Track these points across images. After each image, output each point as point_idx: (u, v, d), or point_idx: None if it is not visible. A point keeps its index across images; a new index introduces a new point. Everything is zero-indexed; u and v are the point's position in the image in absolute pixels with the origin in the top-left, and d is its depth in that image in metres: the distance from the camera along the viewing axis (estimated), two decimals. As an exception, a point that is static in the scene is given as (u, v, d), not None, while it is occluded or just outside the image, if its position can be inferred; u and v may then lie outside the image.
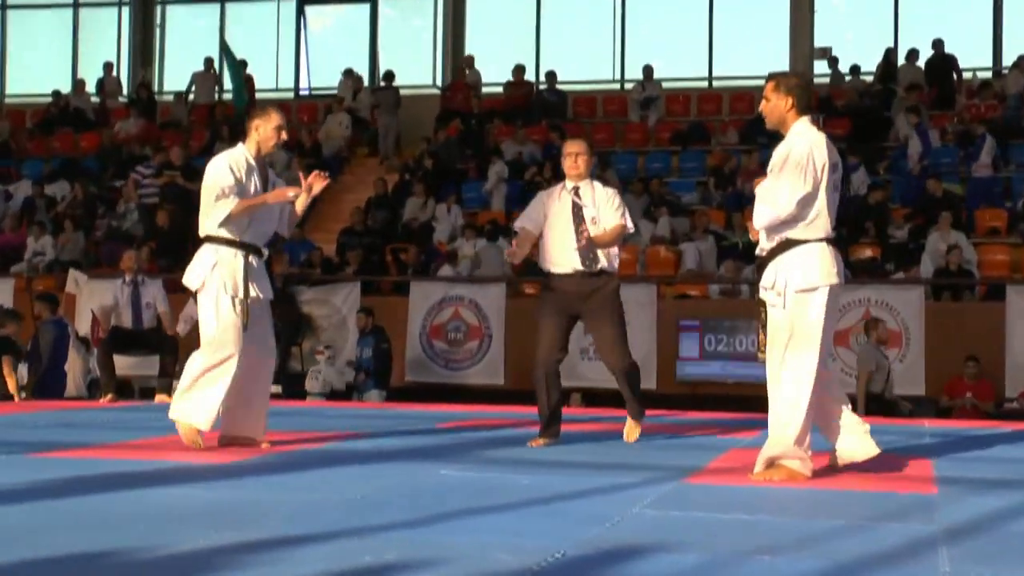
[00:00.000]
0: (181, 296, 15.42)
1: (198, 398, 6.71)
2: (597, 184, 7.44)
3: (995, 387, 13.42)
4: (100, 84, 23.25)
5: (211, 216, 6.68)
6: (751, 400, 14.14)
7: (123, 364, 12.65)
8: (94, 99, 23.29)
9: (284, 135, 6.83)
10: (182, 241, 17.72)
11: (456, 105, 20.91)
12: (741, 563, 3.93)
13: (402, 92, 21.24)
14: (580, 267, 7.23)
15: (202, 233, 6.74)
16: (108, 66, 23.44)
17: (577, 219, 7.24)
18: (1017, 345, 13.51)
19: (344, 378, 14.78)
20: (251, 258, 6.77)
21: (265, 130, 6.76)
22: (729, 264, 15.22)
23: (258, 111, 6.92)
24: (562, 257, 7.26)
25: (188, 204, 17.89)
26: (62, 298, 14.89)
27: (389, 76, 21.21)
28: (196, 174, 18.39)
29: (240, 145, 6.85)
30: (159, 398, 11.63)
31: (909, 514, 4.88)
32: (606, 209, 7.28)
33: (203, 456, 6.58)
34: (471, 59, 21.89)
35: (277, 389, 13.48)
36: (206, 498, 5.15)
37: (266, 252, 6.97)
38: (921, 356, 13.75)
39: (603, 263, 7.26)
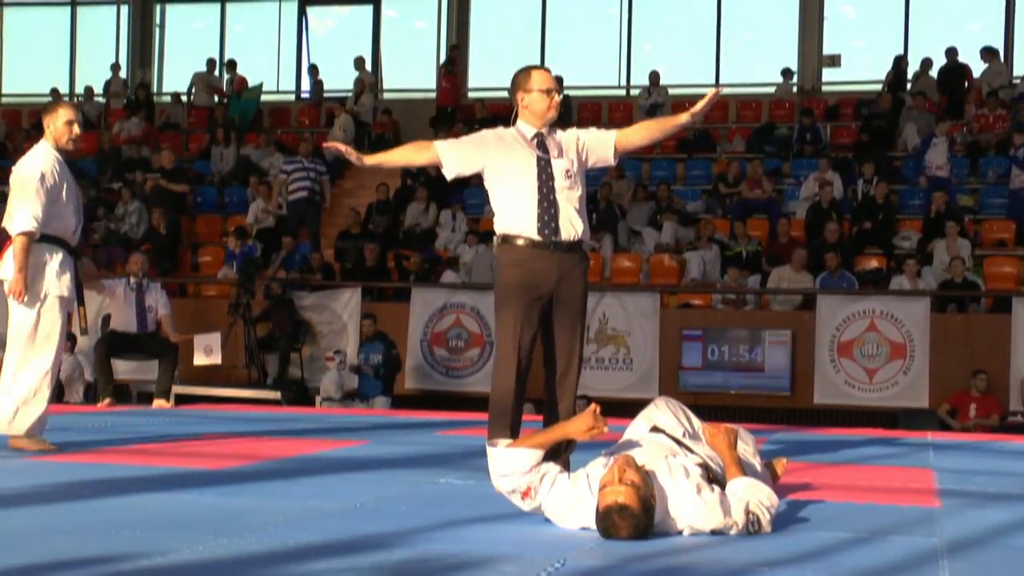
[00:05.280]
0: (179, 300, 15.46)
1: None
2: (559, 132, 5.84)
3: (1000, 400, 13.37)
4: (107, 86, 23.18)
5: None
6: (753, 411, 14.18)
7: (121, 368, 12.62)
8: (99, 99, 23.21)
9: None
10: (177, 244, 17.78)
11: (447, 102, 20.88)
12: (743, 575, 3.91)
13: (404, 95, 21.18)
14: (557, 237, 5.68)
15: None
16: (115, 67, 23.37)
17: (544, 175, 5.67)
18: (1022, 358, 13.46)
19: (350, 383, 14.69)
20: None
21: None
22: (733, 273, 15.20)
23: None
24: (527, 223, 5.67)
25: (175, 206, 17.94)
26: None
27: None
28: (183, 177, 18.52)
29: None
30: (157, 403, 11.60)
31: (911, 527, 4.85)
32: (587, 138, 5.85)
33: (203, 462, 6.56)
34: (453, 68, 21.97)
35: (276, 395, 13.46)
36: (206, 504, 5.12)
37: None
38: (925, 368, 13.69)
39: (582, 233, 5.76)
